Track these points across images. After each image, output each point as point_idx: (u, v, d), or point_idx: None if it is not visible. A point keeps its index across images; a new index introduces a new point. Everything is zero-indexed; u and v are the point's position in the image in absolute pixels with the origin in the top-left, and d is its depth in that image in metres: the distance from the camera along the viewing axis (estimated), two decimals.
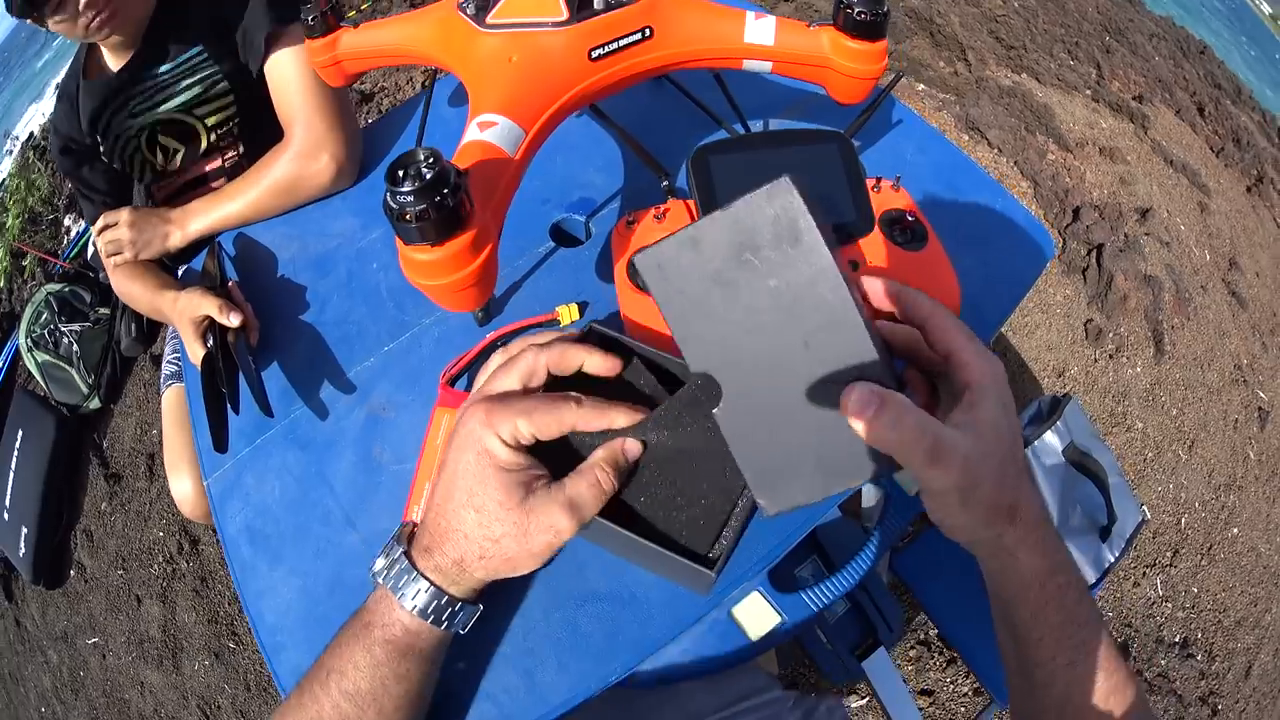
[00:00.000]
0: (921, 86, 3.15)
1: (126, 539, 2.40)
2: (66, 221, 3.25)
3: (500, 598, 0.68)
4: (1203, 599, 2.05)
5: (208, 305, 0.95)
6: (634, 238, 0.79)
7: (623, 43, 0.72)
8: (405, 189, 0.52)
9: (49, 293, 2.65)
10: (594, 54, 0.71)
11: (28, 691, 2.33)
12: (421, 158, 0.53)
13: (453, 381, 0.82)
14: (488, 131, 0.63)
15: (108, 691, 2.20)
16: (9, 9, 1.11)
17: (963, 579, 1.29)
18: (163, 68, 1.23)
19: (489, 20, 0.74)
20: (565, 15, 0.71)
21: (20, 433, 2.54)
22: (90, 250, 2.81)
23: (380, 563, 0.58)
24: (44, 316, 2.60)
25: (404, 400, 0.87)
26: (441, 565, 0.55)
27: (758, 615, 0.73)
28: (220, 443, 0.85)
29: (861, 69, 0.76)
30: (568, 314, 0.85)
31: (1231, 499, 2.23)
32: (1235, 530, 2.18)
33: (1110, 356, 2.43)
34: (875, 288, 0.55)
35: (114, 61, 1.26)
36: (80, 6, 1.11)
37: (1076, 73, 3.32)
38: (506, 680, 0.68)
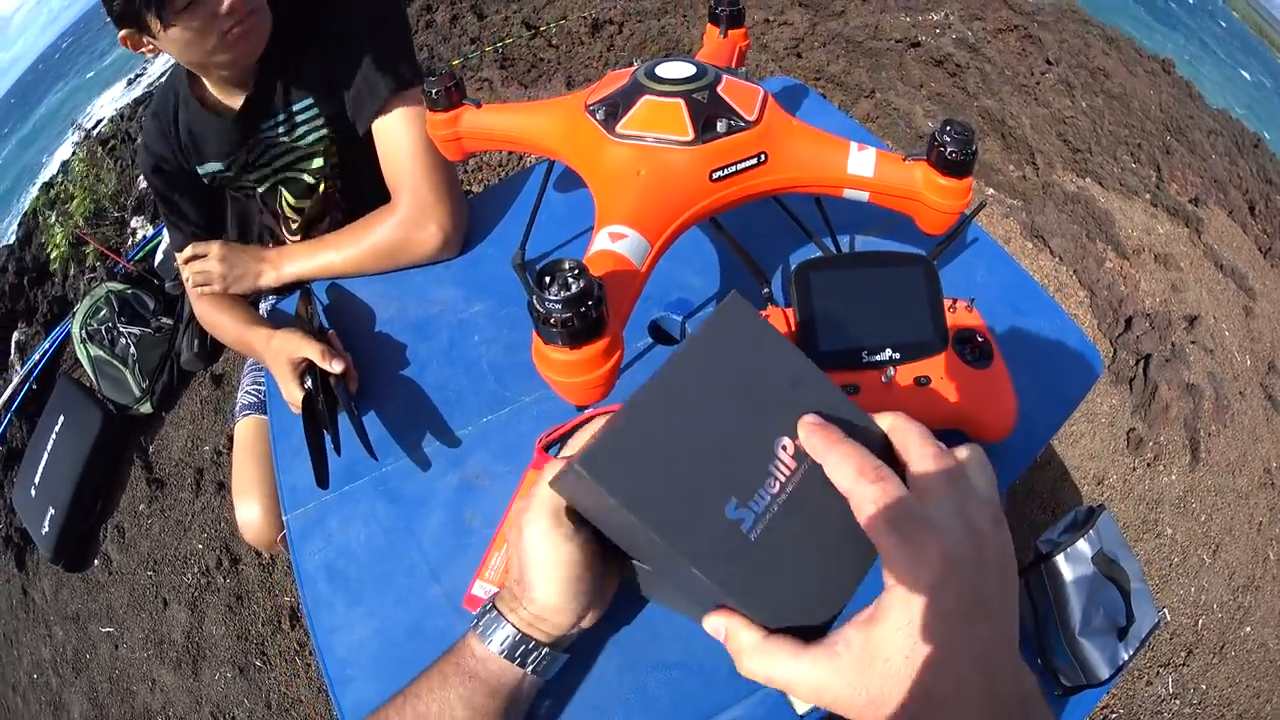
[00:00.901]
0: (991, 191, 3.22)
1: (162, 543, 2.43)
2: (133, 223, 3.33)
3: (578, 653, 0.73)
4: (1210, 695, 2.07)
5: (309, 349, 0.99)
6: None
7: (740, 166, 0.79)
8: (554, 296, 0.57)
9: (111, 290, 2.72)
10: (714, 175, 0.78)
11: (20, 656, 2.36)
12: (568, 268, 0.58)
13: (548, 448, 0.88)
14: (619, 243, 0.70)
15: (114, 679, 2.22)
16: (111, 10, 1.03)
17: None
18: (280, 116, 1.23)
19: (619, 129, 0.80)
20: (691, 136, 0.78)
21: (61, 418, 2.59)
22: (159, 258, 2.88)
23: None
24: (102, 313, 2.67)
25: (500, 471, 0.91)
26: (524, 616, 0.61)
27: None
28: (323, 479, 0.90)
29: (949, 204, 0.82)
30: None
31: (1248, 599, 2.26)
32: (1248, 629, 2.20)
33: (1148, 465, 2.47)
34: (811, 443, 0.49)
35: (222, 97, 1.23)
36: (222, 9, 1.04)
37: (1138, 175, 3.37)
38: None
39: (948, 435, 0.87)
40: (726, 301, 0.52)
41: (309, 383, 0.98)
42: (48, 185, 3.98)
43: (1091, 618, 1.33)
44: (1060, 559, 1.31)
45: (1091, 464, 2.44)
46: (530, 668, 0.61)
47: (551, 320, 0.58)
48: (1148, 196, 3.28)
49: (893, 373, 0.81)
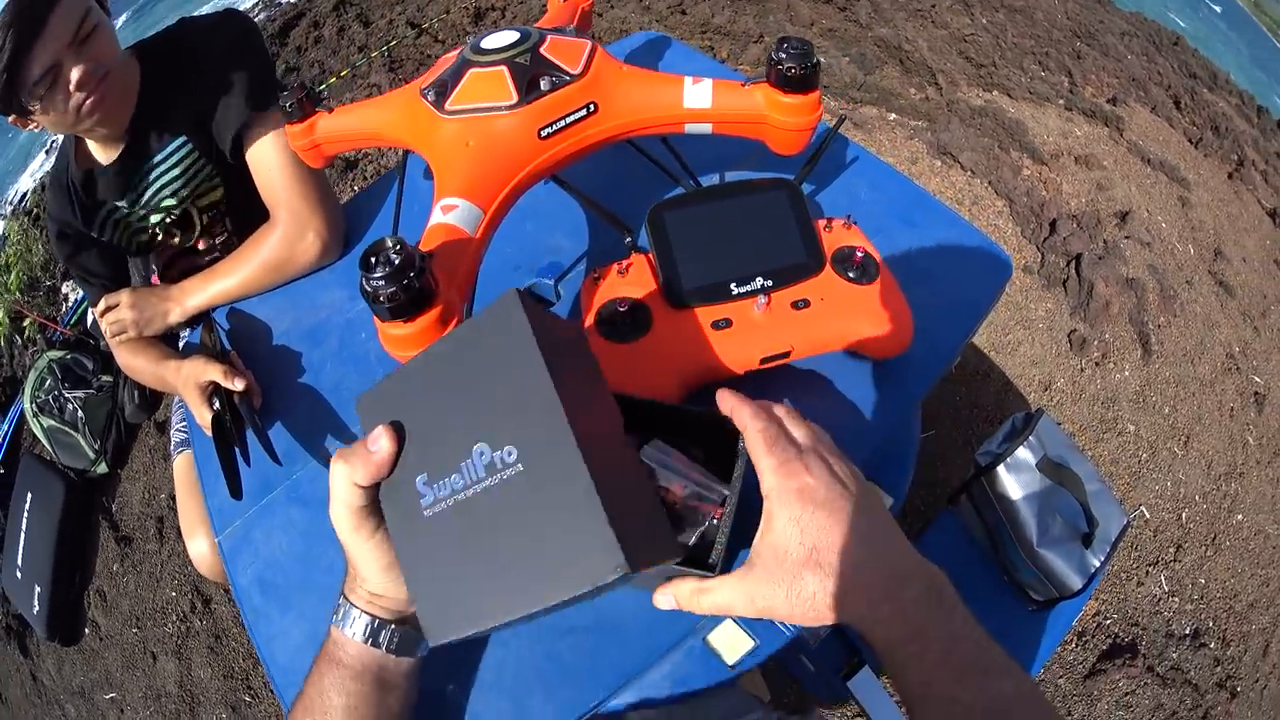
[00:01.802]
0: (893, 116, 3.20)
1: (140, 599, 2.44)
2: (64, 289, 3.31)
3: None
4: (1211, 588, 2.07)
5: (212, 371, 1.03)
6: (599, 292, 0.84)
7: (569, 120, 0.78)
8: (377, 274, 0.59)
9: (51, 359, 2.71)
10: (543, 133, 0.77)
11: None
12: (390, 245, 0.60)
13: None
14: (450, 215, 0.69)
15: None
16: None
17: None
18: (153, 159, 1.26)
19: (447, 106, 0.80)
20: (515, 99, 0.77)
21: (30, 495, 2.58)
22: (90, 319, 2.87)
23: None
24: (48, 383, 2.66)
25: None
26: (364, 597, 0.63)
27: (732, 641, 0.77)
28: (236, 490, 0.93)
29: (796, 121, 0.82)
30: None
31: (1233, 487, 2.26)
32: (1240, 516, 2.21)
33: (1096, 364, 2.46)
34: (724, 401, 0.61)
35: (102, 155, 1.28)
36: (71, 87, 1.10)
37: (1048, 83, 3.37)
38: (499, 707, 0.74)
39: (842, 357, 0.86)
40: (500, 300, 0.52)
41: (217, 404, 1.02)
42: None
43: (1049, 527, 1.32)
44: (1001, 470, 1.30)
45: (1035, 370, 2.43)
46: (385, 647, 0.63)
47: (380, 297, 0.60)
48: (1061, 102, 3.28)
49: (765, 301, 0.80)
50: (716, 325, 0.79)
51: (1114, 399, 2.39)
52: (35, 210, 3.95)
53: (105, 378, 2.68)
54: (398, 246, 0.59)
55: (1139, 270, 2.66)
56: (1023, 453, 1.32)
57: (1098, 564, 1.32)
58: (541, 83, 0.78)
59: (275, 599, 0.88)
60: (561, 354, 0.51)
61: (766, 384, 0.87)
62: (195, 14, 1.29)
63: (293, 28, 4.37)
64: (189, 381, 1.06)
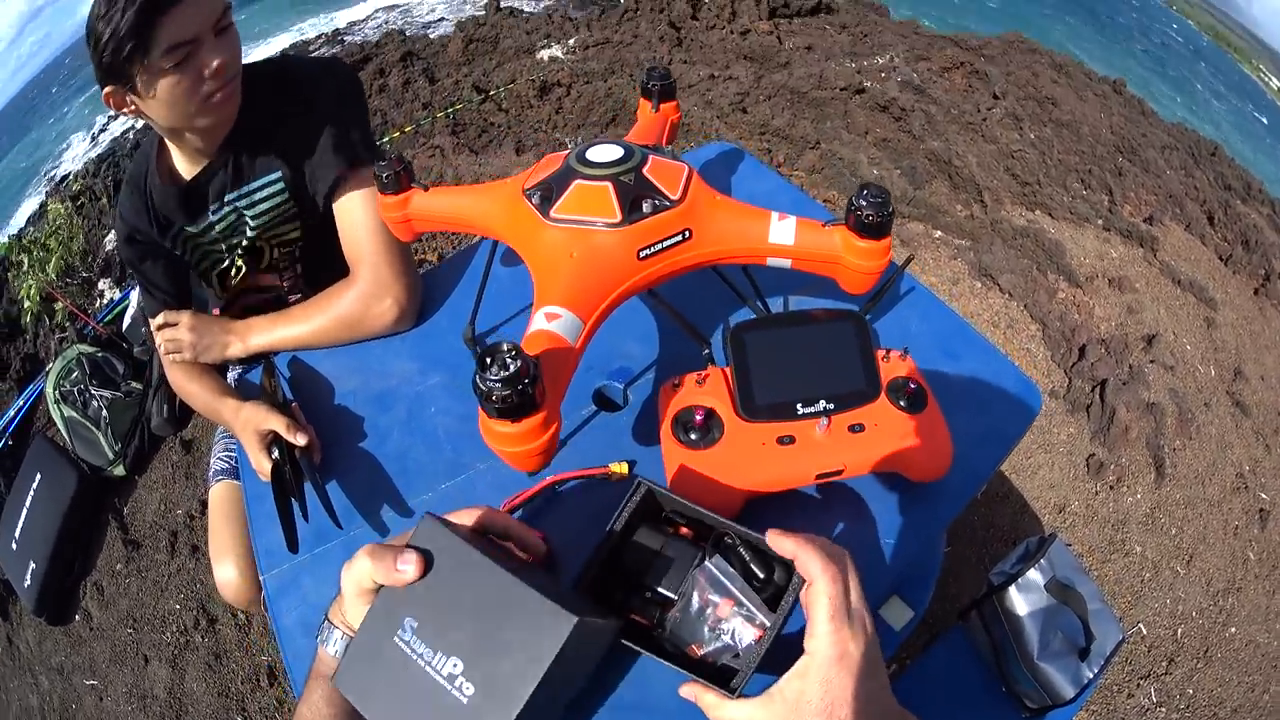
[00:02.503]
0: (938, 233, 3.27)
1: (140, 602, 2.45)
2: (101, 285, 3.37)
3: None
4: (1198, 698, 2.11)
5: (275, 421, 1.04)
6: (676, 398, 0.90)
7: (666, 244, 0.84)
8: (494, 376, 0.63)
9: (81, 352, 2.76)
10: (642, 253, 0.83)
11: (9, 702, 2.38)
12: (506, 349, 0.64)
13: (512, 511, 0.94)
14: (554, 323, 0.75)
15: None
16: (102, 63, 1.04)
17: (956, 705, 1.37)
18: (242, 188, 1.25)
19: (553, 214, 0.85)
20: (619, 217, 0.83)
21: (39, 475, 2.62)
22: (126, 322, 2.91)
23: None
24: (74, 374, 2.71)
25: None
26: (345, 622, 0.71)
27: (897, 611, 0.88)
28: (293, 544, 0.96)
29: (869, 265, 0.87)
30: (618, 469, 0.96)
31: (1230, 601, 2.31)
32: (1233, 629, 2.25)
33: (1111, 488, 2.52)
34: (779, 544, 0.67)
35: (186, 168, 1.25)
36: (207, 72, 1.07)
37: (1089, 202, 3.45)
38: None
39: (880, 478, 0.92)
40: (420, 524, 0.66)
41: (276, 453, 1.03)
42: (18, 236, 3.98)
43: (1049, 642, 1.36)
44: (1012, 590, 1.35)
45: (1051, 493, 2.49)
46: None
47: (493, 397, 0.64)
48: (1100, 222, 3.35)
49: (826, 423, 0.86)
50: (781, 440, 0.85)
51: (1124, 521, 2.45)
52: (81, 199, 4.01)
53: (135, 384, 2.71)
54: (513, 352, 0.64)
55: (1160, 394, 2.73)
56: (1033, 574, 1.36)
57: (1091, 675, 1.36)
58: (644, 205, 0.84)
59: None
60: (573, 655, 0.63)
61: (814, 496, 0.94)
62: (297, 54, 1.30)
63: (358, 70, 4.47)
64: (248, 426, 1.07)
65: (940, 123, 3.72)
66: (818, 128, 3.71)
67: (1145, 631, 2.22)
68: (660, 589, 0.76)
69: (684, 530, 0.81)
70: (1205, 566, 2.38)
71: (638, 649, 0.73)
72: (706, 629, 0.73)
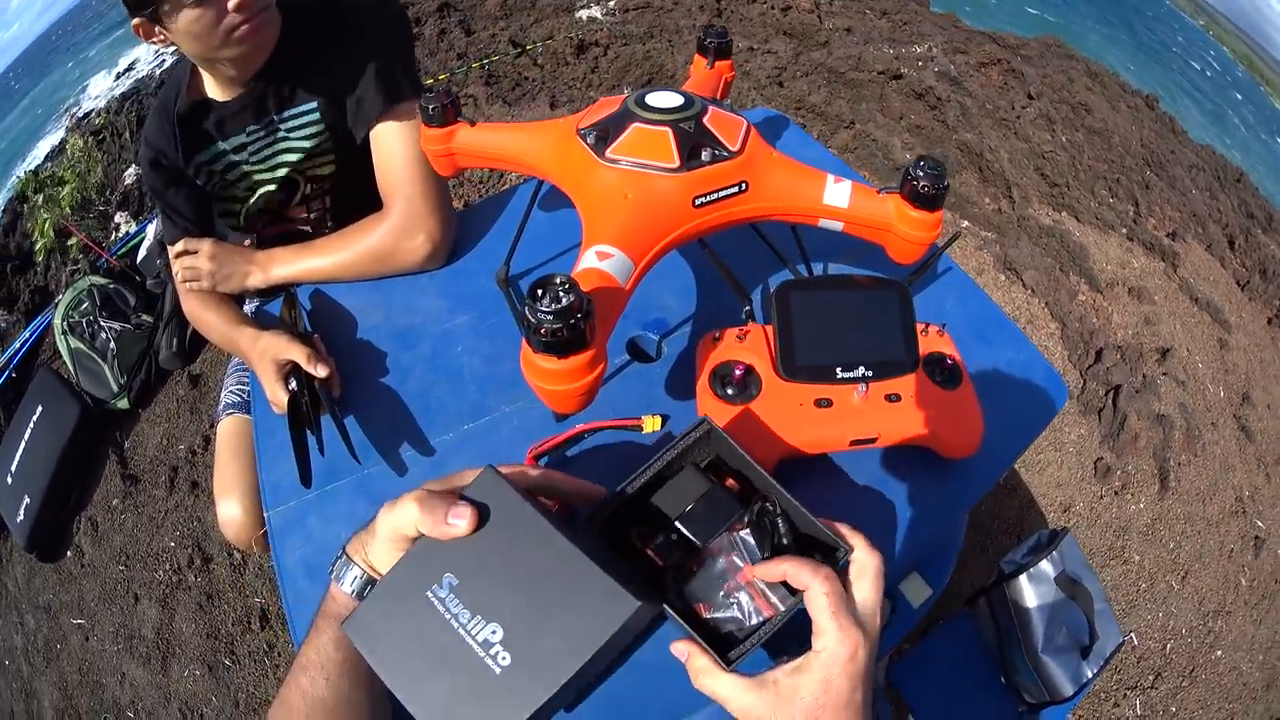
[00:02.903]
0: (966, 224, 3.27)
1: (134, 539, 2.44)
2: (117, 218, 3.34)
3: None
4: (1180, 716, 2.12)
5: (295, 351, 1.02)
6: (716, 351, 0.90)
7: (722, 194, 0.83)
8: (546, 308, 0.61)
9: (93, 283, 2.74)
10: (697, 201, 0.82)
11: None
12: (559, 282, 0.62)
13: (538, 458, 0.93)
14: (605, 262, 0.73)
15: (84, 671, 2.23)
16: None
17: (955, 691, 1.37)
18: (280, 115, 1.24)
19: (609, 154, 0.84)
20: (677, 163, 0.81)
21: (40, 408, 2.60)
22: (141, 254, 2.89)
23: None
24: (84, 305, 2.69)
25: None
26: (364, 558, 0.68)
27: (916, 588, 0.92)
28: (306, 478, 0.93)
29: (920, 235, 0.86)
30: (650, 423, 0.95)
31: (1219, 624, 2.32)
32: (1219, 652, 2.26)
33: (1116, 493, 2.53)
34: (767, 570, 0.67)
35: (219, 93, 1.24)
36: (230, 4, 1.06)
37: (1115, 210, 3.44)
38: None
39: (917, 452, 0.91)
40: (480, 476, 0.63)
41: (293, 384, 1.01)
42: (35, 172, 3.96)
43: (1054, 636, 1.37)
44: (1023, 579, 1.35)
45: (1058, 491, 2.49)
46: None
47: (542, 330, 0.62)
48: (1124, 231, 3.35)
49: (864, 389, 0.86)
50: (819, 403, 0.85)
51: (1126, 529, 2.45)
52: (102, 134, 3.98)
53: (145, 317, 2.69)
54: (567, 285, 0.61)
55: (1170, 408, 2.73)
56: (1045, 565, 1.37)
57: (1090, 675, 1.38)
58: (703, 153, 0.82)
59: (322, 585, 0.86)
60: (620, 638, 0.60)
61: (842, 466, 0.93)
62: None
63: None
64: (266, 355, 1.05)
65: (974, 115, 3.70)
66: (853, 108, 3.69)
67: (1136, 642, 2.23)
68: (689, 534, 0.73)
69: (730, 483, 0.78)
70: (1199, 585, 2.38)
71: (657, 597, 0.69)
72: (721, 593, 0.71)
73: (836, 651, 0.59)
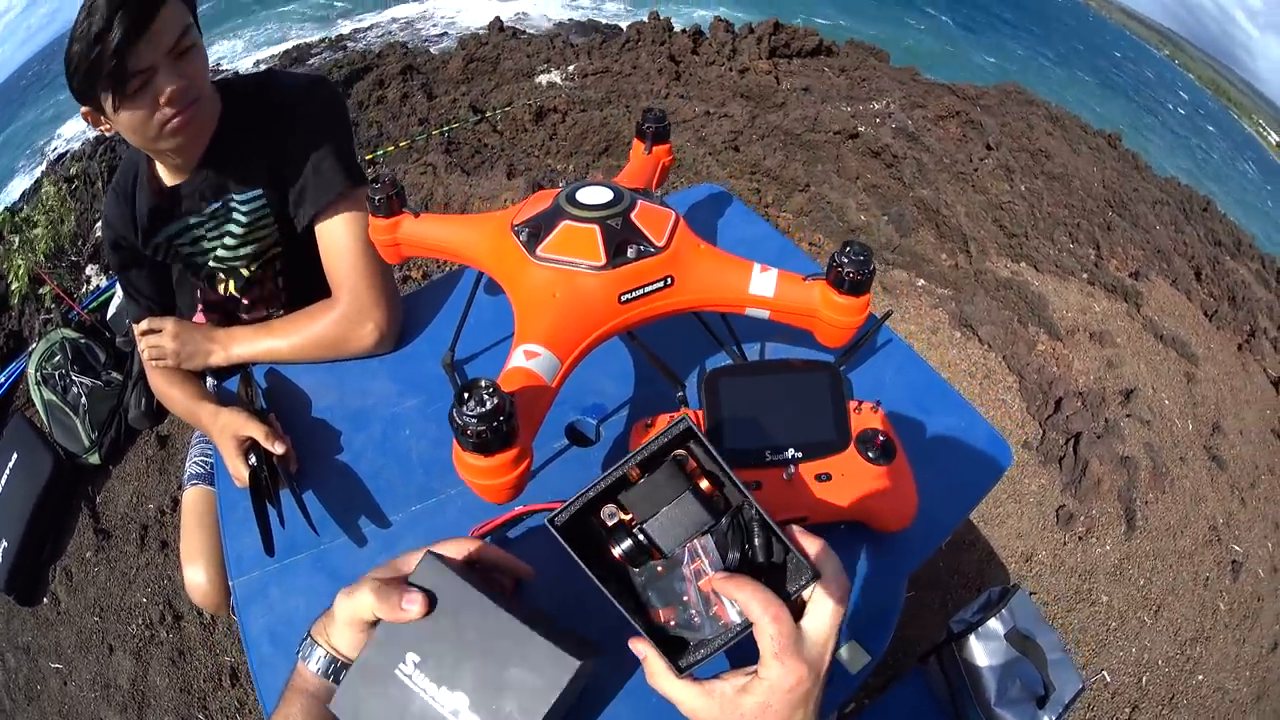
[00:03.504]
0: (922, 282, 3.31)
1: (107, 591, 2.45)
2: (88, 271, 3.36)
3: None
4: None
5: (253, 428, 1.05)
6: (647, 439, 0.91)
7: (648, 289, 0.86)
8: (471, 411, 0.65)
9: (65, 337, 2.76)
10: (623, 297, 0.85)
11: None
12: (484, 385, 0.66)
13: (481, 538, 0.93)
14: (532, 361, 0.76)
15: (63, 713, 2.24)
16: (72, 87, 1.07)
17: None
18: (230, 198, 1.26)
19: (539, 252, 0.87)
20: (603, 260, 0.85)
21: (15, 455, 2.63)
22: (111, 311, 2.91)
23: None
24: (56, 358, 2.71)
25: None
26: (328, 641, 0.73)
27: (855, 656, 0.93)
28: (269, 548, 0.97)
29: (846, 320, 0.89)
30: None
31: (1198, 650, 2.34)
32: (1201, 677, 2.29)
33: (1080, 538, 2.56)
34: (723, 587, 0.68)
35: (170, 176, 1.26)
36: (161, 99, 1.07)
37: (1075, 256, 3.50)
38: None
39: (851, 526, 0.94)
40: (422, 562, 0.69)
41: (254, 459, 1.04)
42: (10, 211, 3.96)
43: (1007, 689, 1.38)
44: (972, 639, 1.37)
45: (1019, 542, 2.51)
46: (337, 680, 0.72)
47: (468, 431, 0.66)
48: (1085, 276, 3.40)
49: (794, 470, 0.88)
50: (748, 486, 0.87)
51: (1092, 571, 2.48)
52: (75, 182, 4.00)
53: (115, 374, 2.72)
54: (491, 389, 0.66)
55: (1135, 448, 2.76)
56: (994, 624, 1.39)
57: None
58: (629, 250, 0.86)
59: (285, 652, 0.89)
60: (568, 695, 0.67)
61: None
62: (283, 70, 1.30)
63: (358, 80, 4.50)
64: (226, 432, 1.08)
65: (931, 171, 3.76)
66: (809, 170, 3.75)
67: (1109, 679, 2.24)
68: (657, 543, 0.70)
69: (706, 486, 0.73)
70: (1173, 616, 2.41)
71: (609, 596, 0.66)
72: (682, 596, 0.71)
73: (778, 683, 0.62)
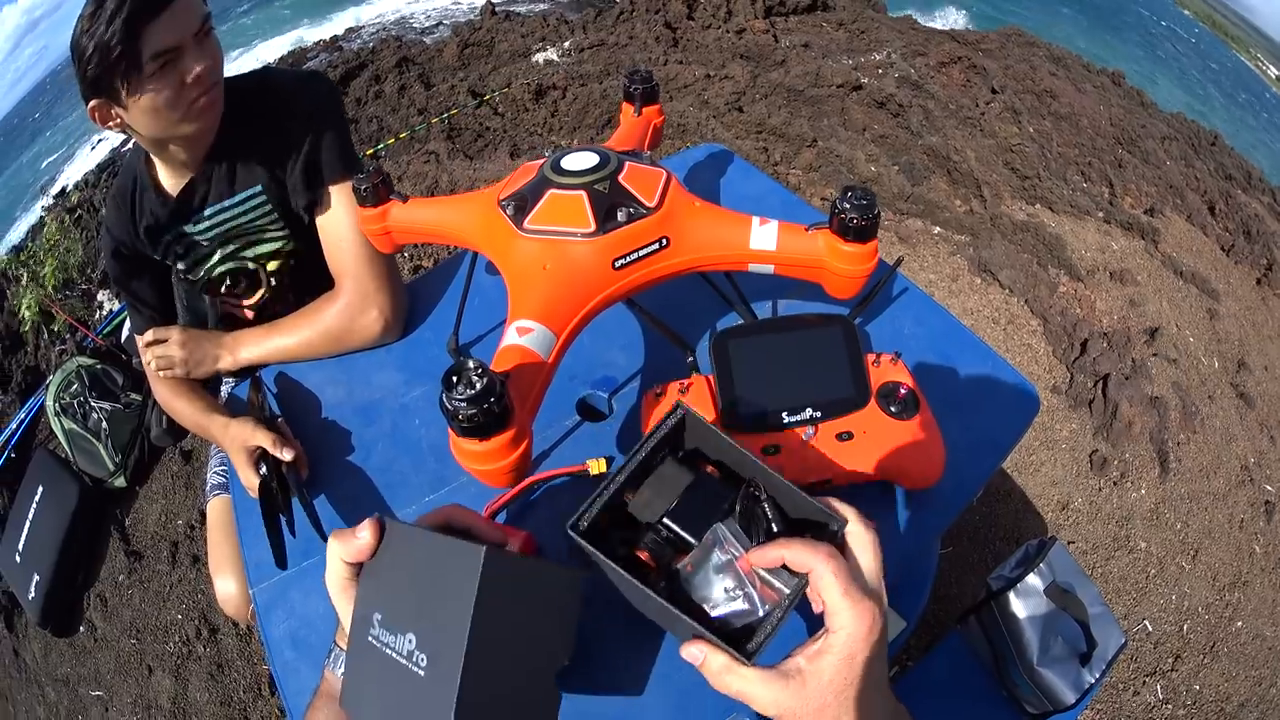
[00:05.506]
0: (938, 230, 3.25)
1: (143, 613, 2.47)
2: (100, 296, 3.37)
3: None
4: (1204, 693, 2.10)
5: (261, 437, 1.03)
6: (659, 407, 0.89)
7: (642, 253, 0.82)
8: (459, 396, 0.62)
9: (81, 365, 2.77)
10: (617, 263, 0.81)
11: (16, 713, 2.40)
12: (472, 367, 0.63)
13: (493, 515, 0.93)
14: (525, 337, 0.73)
15: None
16: (84, 79, 1.06)
17: (955, 708, 1.36)
18: (230, 200, 1.25)
19: (526, 224, 0.83)
20: (592, 227, 0.81)
21: (41, 488, 2.64)
22: (125, 333, 2.92)
23: None
24: (74, 387, 2.72)
25: None
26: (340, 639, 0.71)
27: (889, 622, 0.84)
28: (281, 560, 0.95)
29: (854, 269, 0.85)
30: (596, 466, 0.94)
31: (1236, 596, 2.30)
32: (1240, 624, 2.24)
33: (1114, 484, 2.50)
34: (764, 557, 0.64)
35: (169, 181, 1.26)
36: (189, 78, 1.07)
37: (1089, 195, 3.43)
38: None
39: (877, 485, 0.90)
40: (471, 553, 0.59)
41: (264, 469, 1.03)
42: (16, 250, 3.99)
43: (1050, 647, 1.34)
44: (1011, 595, 1.33)
45: (1054, 490, 2.47)
46: None
47: (459, 416, 0.63)
48: (1100, 215, 3.33)
49: (813, 431, 0.84)
50: (766, 450, 0.83)
51: (1129, 517, 2.43)
52: (79, 211, 4.02)
53: (134, 395, 2.73)
54: (479, 370, 0.62)
55: (1163, 388, 2.71)
56: (1033, 579, 1.34)
57: (1092, 680, 1.35)
58: (619, 213, 0.82)
59: (307, 656, 0.90)
60: (509, 598, 0.60)
61: None
62: (280, 68, 1.28)
63: (354, 78, 4.48)
64: (236, 443, 1.07)
65: (938, 118, 3.70)
66: (814, 125, 3.69)
67: (1151, 628, 2.20)
68: (682, 531, 0.68)
69: (710, 470, 0.72)
70: (1211, 561, 2.37)
71: (654, 595, 0.63)
72: (722, 587, 0.66)
73: (855, 628, 0.58)
